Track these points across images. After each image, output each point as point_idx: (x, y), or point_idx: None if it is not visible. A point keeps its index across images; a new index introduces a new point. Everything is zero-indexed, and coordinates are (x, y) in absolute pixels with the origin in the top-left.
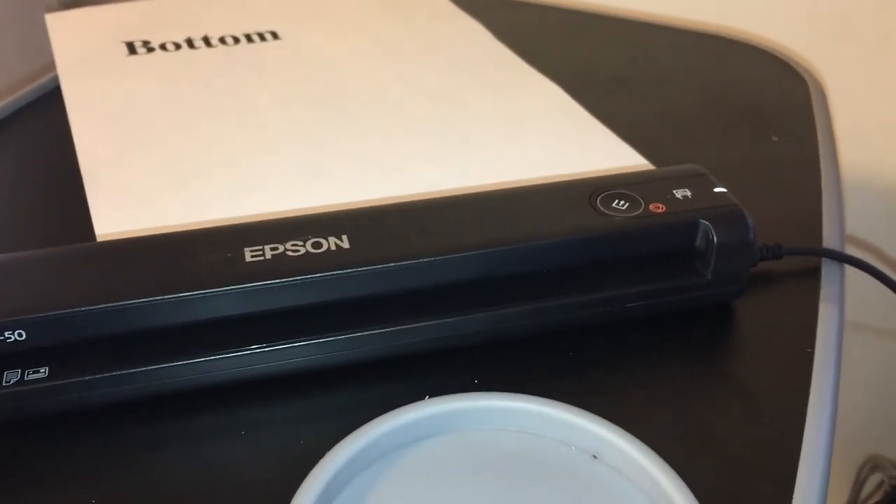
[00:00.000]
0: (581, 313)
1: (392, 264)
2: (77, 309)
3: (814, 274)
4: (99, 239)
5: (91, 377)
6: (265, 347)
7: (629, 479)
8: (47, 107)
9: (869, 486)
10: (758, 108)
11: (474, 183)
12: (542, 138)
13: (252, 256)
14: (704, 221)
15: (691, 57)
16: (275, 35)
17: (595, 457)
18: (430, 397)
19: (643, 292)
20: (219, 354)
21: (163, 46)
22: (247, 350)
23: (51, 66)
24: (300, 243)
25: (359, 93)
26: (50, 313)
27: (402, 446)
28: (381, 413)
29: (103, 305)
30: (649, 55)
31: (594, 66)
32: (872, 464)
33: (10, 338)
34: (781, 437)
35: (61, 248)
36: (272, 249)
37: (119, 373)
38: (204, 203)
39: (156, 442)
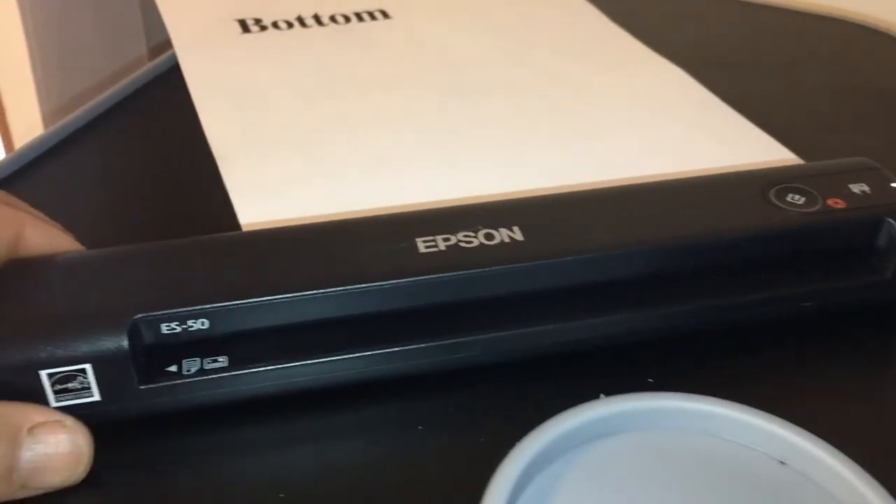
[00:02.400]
0: (755, 311)
1: (569, 258)
2: (261, 299)
3: None
4: (244, 228)
5: (271, 367)
6: (439, 342)
7: (821, 486)
8: (164, 87)
9: None
10: (888, 94)
11: (615, 175)
12: (677, 128)
13: (426, 247)
14: (890, 219)
15: (816, 41)
16: (385, 14)
17: (783, 462)
18: (604, 396)
19: (820, 291)
20: (396, 347)
21: (275, 24)
22: (423, 343)
23: (159, 48)
24: (472, 234)
25: (476, 75)
26: (236, 302)
27: (580, 445)
28: (553, 412)
29: (285, 295)
30: (772, 39)
31: (714, 50)
32: None
33: (192, 326)
34: None
35: (227, 236)
36: (444, 240)
37: (297, 364)
38: (347, 191)
39: (335, 432)
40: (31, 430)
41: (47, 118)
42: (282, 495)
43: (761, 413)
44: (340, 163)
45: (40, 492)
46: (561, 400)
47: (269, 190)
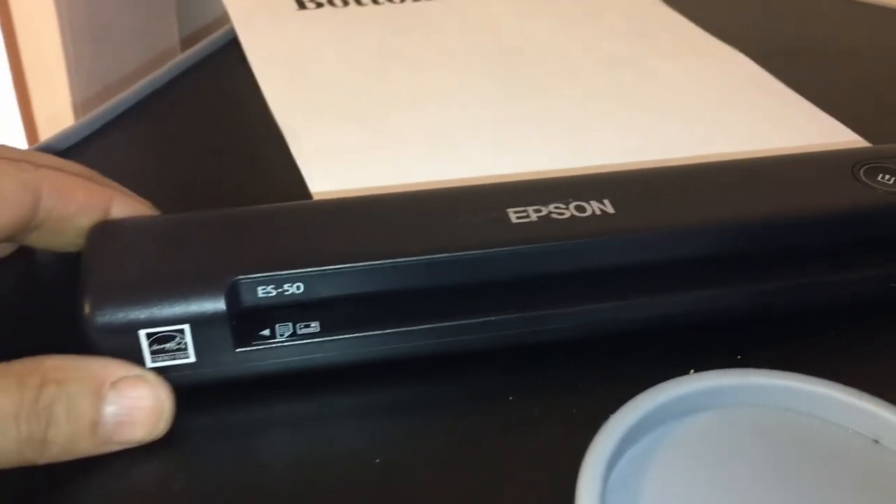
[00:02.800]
0: (846, 291)
1: (660, 232)
2: (356, 264)
3: None
4: (314, 197)
5: (362, 334)
6: (531, 313)
7: None
8: (221, 61)
9: None
10: None
11: (683, 154)
12: (743, 111)
13: (517, 218)
14: None
15: (875, 30)
16: None
17: (877, 441)
18: (694, 371)
19: None
20: (488, 317)
21: (331, 2)
22: (515, 314)
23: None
24: (563, 206)
25: (533, 59)
26: (331, 267)
27: (670, 420)
28: (644, 387)
29: (380, 262)
30: (827, 27)
31: (772, 36)
32: None
33: (287, 290)
34: None
35: (315, 202)
36: (536, 212)
37: (388, 331)
38: (411, 164)
39: (426, 402)
40: (113, 384)
41: (78, 108)
42: (377, 461)
43: (853, 391)
44: (403, 137)
45: (123, 446)
46: (652, 374)
47: (336, 160)
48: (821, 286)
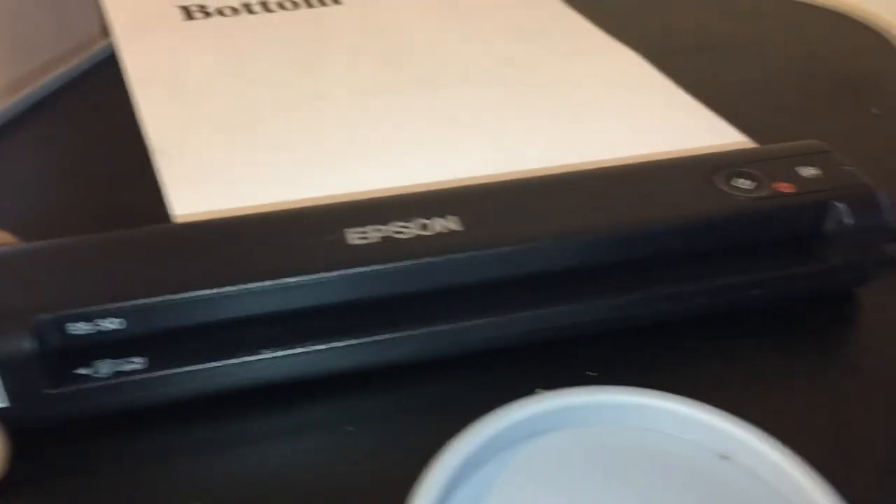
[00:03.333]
0: (701, 301)
1: (509, 248)
2: (178, 296)
3: None
4: (177, 220)
5: (192, 368)
6: (367, 338)
7: (765, 480)
8: (100, 77)
9: None
10: (852, 79)
11: (562, 160)
12: (627, 112)
13: (356, 238)
14: (838, 203)
15: (774, 23)
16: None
17: (725, 457)
18: (540, 391)
19: (768, 279)
20: (321, 345)
21: (220, 11)
22: (352, 341)
23: (93, 38)
24: (407, 224)
25: (428, 63)
26: (151, 300)
27: (516, 444)
28: (489, 410)
29: (206, 292)
30: (728, 22)
31: (670, 33)
32: None
33: (103, 326)
34: None
35: (148, 229)
36: (376, 231)
37: (221, 364)
38: (285, 181)
39: (255, 436)
40: None
41: None
42: None
43: (704, 406)
44: (285, 154)
45: None
46: (497, 396)
47: (205, 183)
48: (675, 297)
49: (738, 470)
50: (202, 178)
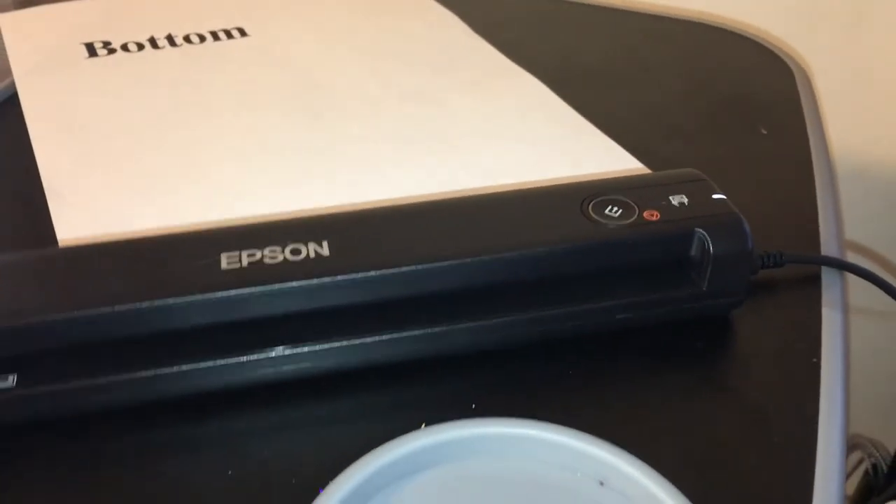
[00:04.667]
0: (570, 324)
1: (373, 273)
2: (46, 317)
3: (815, 278)
4: (61, 244)
5: (60, 387)
6: (237, 359)
7: None
8: (4, 116)
9: (849, 465)
10: (743, 99)
11: (457, 187)
12: (526, 139)
13: (228, 263)
14: (700, 230)
15: (671, 45)
16: (242, 32)
17: (602, 483)
18: (426, 425)
19: (636, 303)
20: (190, 365)
21: (124, 47)
22: (217, 361)
23: (5, 71)
24: (278, 250)
25: (331, 92)
26: (18, 322)
27: (397, 480)
28: (375, 443)
29: (71, 314)
30: (628, 44)
31: (572, 57)
32: (852, 443)
33: None
34: (793, 453)
35: (26, 253)
36: (249, 256)
37: (89, 382)
38: (172, 209)
39: (117, 455)
40: None
41: None
42: None
43: (580, 434)
44: (174, 184)
45: None
46: (383, 429)
47: (93, 210)
48: (545, 320)
49: (614, 495)
50: (87, 207)
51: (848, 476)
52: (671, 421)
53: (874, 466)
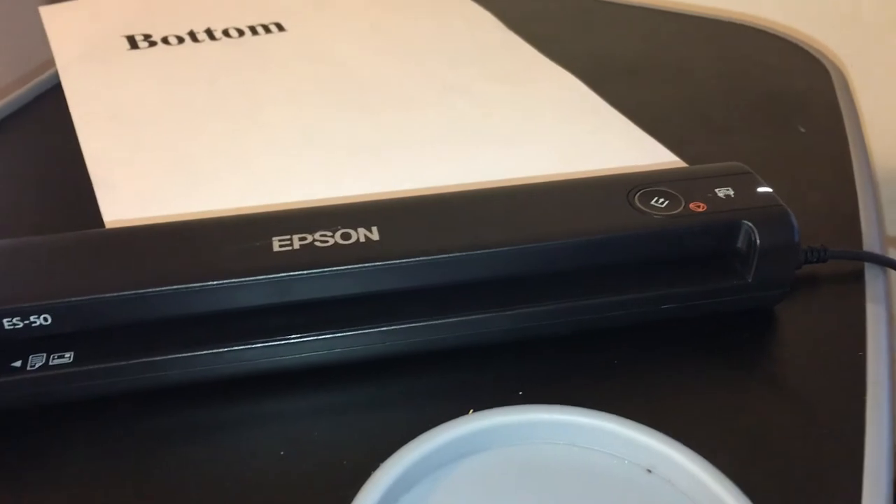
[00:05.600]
0: (617, 314)
1: (423, 258)
2: (103, 295)
3: (858, 274)
4: (107, 226)
5: (116, 364)
6: (290, 340)
7: (686, 493)
8: (48, 106)
9: None
10: (781, 98)
11: (495, 178)
12: (563, 133)
13: (280, 246)
14: (747, 222)
15: (707, 45)
16: (280, 27)
17: (649, 471)
18: (473, 411)
19: (682, 294)
20: (243, 345)
21: (165, 40)
22: (271, 342)
23: (48, 63)
24: (329, 234)
25: (369, 86)
26: (76, 298)
27: (446, 464)
28: (422, 429)
29: (129, 292)
30: (665, 43)
31: (609, 55)
32: None
33: (35, 322)
34: (841, 444)
35: (82, 233)
36: (300, 239)
37: (144, 360)
38: (216, 195)
39: (177, 433)
40: None
41: None
42: None
43: (627, 422)
44: (218, 174)
45: None
46: (433, 416)
47: (140, 200)
48: (590, 309)
49: (662, 483)
50: (132, 191)
51: None
52: (717, 410)
53: None
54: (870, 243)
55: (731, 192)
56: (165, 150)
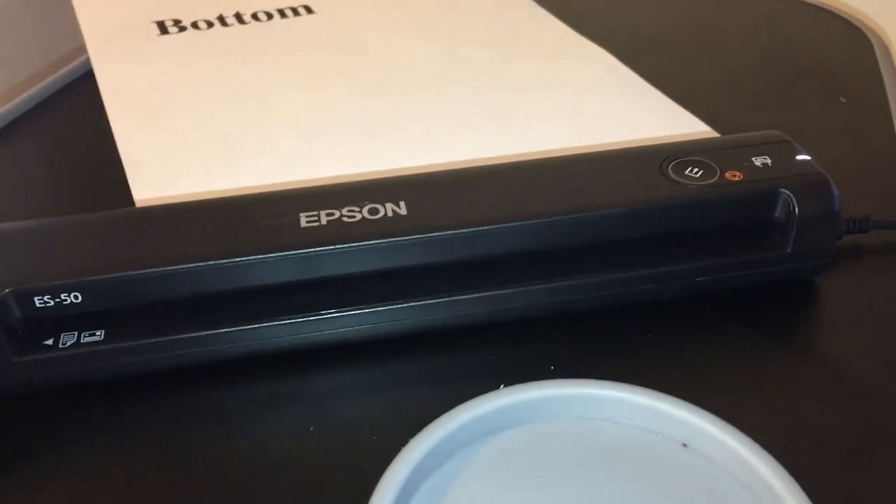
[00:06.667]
0: (652, 286)
1: (452, 231)
2: (133, 272)
3: None
4: (137, 204)
5: (147, 341)
6: (319, 316)
7: (724, 467)
8: (80, 91)
9: None
10: (820, 69)
11: (530, 150)
12: (596, 106)
13: (308, 222)
14: (785, 191)
15: (744, 16)
16: (308, 9)
17: (685, 445)
18: (504, 386)
19: (718, 265)
20: (274, 321)
21: (195, 25)
22: (300, 318)
23: (80, 49)
24: (356, 209)
25: (400, 66)
26: (107, 276)
27: (477, 440)
28: (452, 404)
29: (158, 269)
30: (698, 15)
31: (640, 29)
32: None
33: (66, 300)
34: (886, 420)
35: (111, 212)
36: (328, 215)
37: (175, 337)
38: (245, 174)
39: (213, 409)
40: None
41: None
42: None
43: (662, 396)
44: (249, 154)
45: None
46: (463, 390)
47: (166, 172)
48: (626, 281)
49: (698, 457)
50: (162, 171)
51: None
52: (756, 384)
53: None
54: None
55: (769, 161)
56: (194, 131)
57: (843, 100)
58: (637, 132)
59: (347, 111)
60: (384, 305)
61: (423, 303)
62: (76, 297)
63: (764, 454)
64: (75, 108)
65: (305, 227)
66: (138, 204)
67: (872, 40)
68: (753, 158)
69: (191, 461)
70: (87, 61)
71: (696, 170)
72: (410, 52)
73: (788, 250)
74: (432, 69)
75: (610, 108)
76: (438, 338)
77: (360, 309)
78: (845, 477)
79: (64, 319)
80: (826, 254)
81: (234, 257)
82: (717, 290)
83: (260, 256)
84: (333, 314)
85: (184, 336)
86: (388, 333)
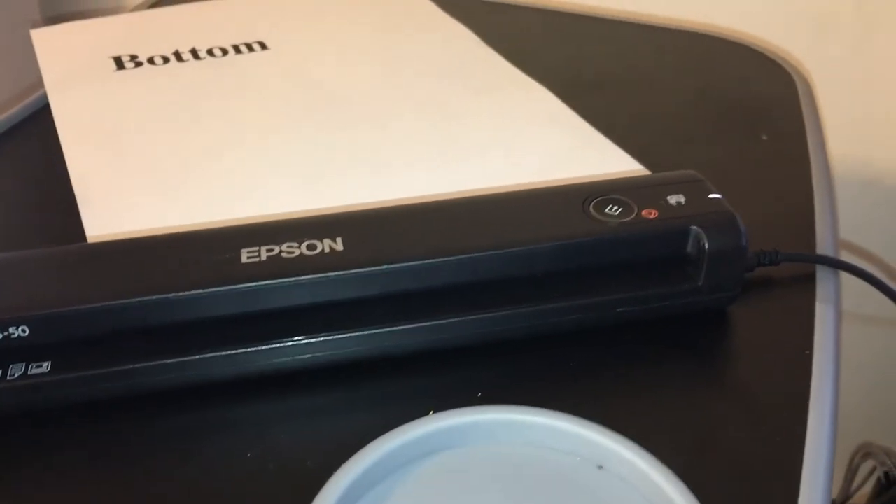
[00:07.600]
0: (572, 317)
1: (385, 267)
2: (78, 307)
3: (810, 276)
4: (89, 240)
5: (92, 372)
6: (258, 347)
7: (635, 488)
8: (37, 125)
9: (862, 473)
10: (745, 107)
11: (465, 188)
12: (533, 144)
13: (248, 257)
14: (695, 227)
15: (675, 55)
16: (263, 45)
17: (601, 467)
18: (434, 412)
19: (635, 297)
20: (215, 352)
21: (151, 60)
22: (240, 349)
23: (38, 84)
24: (295, 245)
25: (347, 101)
26: (53, 310)
27: (406, 464)
28: (385, 430)
29: (102, 304)
30: (633, 55)
31: (578, 67)
32: (864, 451)
33: (13, 334)
34: (784, 440)
35: (61, 248)
36: (268, 251)
37: (119, 368)
38: (194, 210)
39: (147, 439)
40: None
41: None
42: None
43: (580, 420)
44: (199, 188)
45: None
46: (392, 417)
47: (121, 212)
48: (547, 313)
49: (612, 478)
50: (115, 207)
51: (861, 485)
52: (668, 409)
53: (886, 475)
54: (824, 247)
55: (683, 199)
56: (147, 167)
57: (764, 137)
58: (571, 169)
59: (296, 148)
60: (321, 337)
61: (358, 334)
62: (23, 331)
63: (671, 475)
64: (32, 141)
65: (246, 263)
66: (90, 240)
67: (796, 79)
68: (669, 197)
69: (134, 485)
70: (44, 96)
71: (615, 207)
72: (360, 89)
73: (700, 283)
74: (381, 104)
75: (546, 145)
76: (373, 366)
77: (298, 340)
78: (747, 496)
79: (12, 351)
80: (735, 286)
81: (177, 291)
82: (636, 321)
83: (202, 291)
84: (273, 345)
85: (128, 367)
86: (325, 363)
